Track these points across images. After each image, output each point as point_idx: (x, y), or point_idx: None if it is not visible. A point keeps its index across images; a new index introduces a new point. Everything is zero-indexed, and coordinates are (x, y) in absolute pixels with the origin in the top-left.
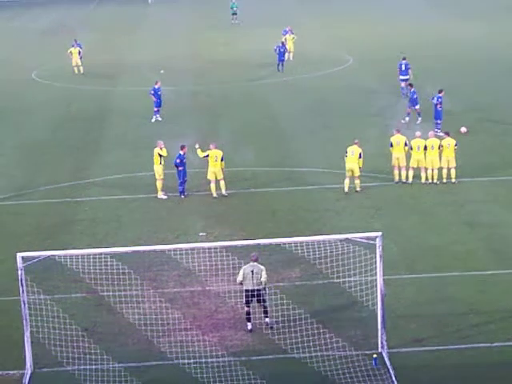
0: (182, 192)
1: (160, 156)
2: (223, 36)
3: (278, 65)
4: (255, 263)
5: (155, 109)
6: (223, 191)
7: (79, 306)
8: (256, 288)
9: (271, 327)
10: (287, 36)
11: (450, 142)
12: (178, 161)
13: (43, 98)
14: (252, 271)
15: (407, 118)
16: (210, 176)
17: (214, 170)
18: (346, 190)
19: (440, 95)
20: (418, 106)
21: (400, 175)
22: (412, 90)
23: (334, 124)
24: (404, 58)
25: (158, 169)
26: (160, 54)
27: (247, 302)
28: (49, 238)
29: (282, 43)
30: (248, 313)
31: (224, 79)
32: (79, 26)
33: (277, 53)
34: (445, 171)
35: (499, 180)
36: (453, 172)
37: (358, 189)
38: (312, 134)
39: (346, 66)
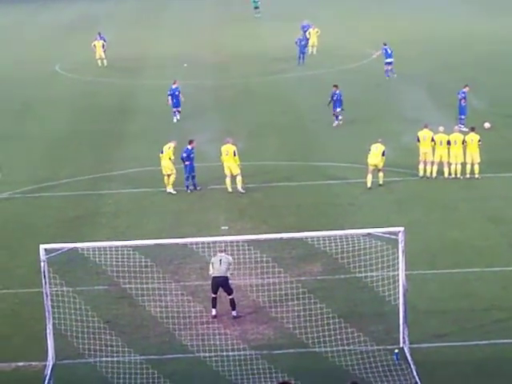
0: (188, 186)
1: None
2: (246, 30)
3: (300, 57)
4: (223, 254)
5: (173, 109)
6: (239, 187)
7: (101, 299)
8: (223, 275)
9: (239, 316)
10: (311, 30)
11: (473, 138)
12: (184, 155)
13: (67, 90)
14: (220, 260)
15: (339, 120)
16: (226, 171)
17: (228, 164)
18: (369, 185)
19: (464, 90)
20: (339, 109)
21: (425, 170)
22: (337, 91)
23: (358, 118)
24: (385, 44)
25: (169, 163)
26: (183, 48)
27: (214, 291)
28: (71, 231)
29: (304, 35)
30: (214, 299)
31: (247, 73)
32: (103, 19)
33: (298, 45)
34: (468, 166)
35: None
36: (476, 168)
37: (380, 182)
38: (335, 129)
39: (369, 61)
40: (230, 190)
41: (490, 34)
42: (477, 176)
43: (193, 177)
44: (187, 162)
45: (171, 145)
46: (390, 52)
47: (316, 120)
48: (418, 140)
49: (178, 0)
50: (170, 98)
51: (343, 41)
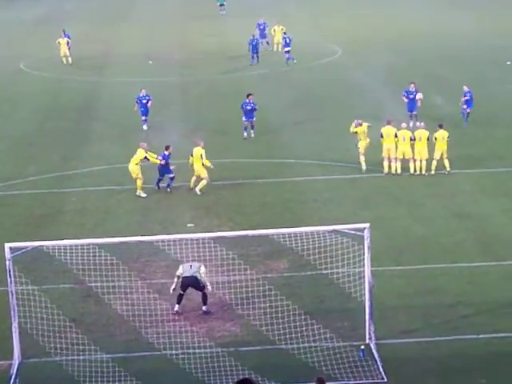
0: (157, 184)
1: (146, 158)
2: (211, 27)
3: (253, 57)
4: (194, 262)
5: (142, 118)
6: (197, 189)
7: (67, 297)
8: (193, 275)
9: (209, 312)
10: (276, 27)
11: (443, 135)
12: (160, 157)
13: (31, 88)
14: (190, 266)
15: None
16: (195, 172)
17: (196, 167)
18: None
19: (410, 89)
20: (252, 120)
21: (390, 166)
22: (251, 101)
23: (321, 116)
24: (285, 33)
25: (136, 168)
26: (148, 45)
27: (183, 289)
28: (37, 229)
29: (261, 33)
30: (181, 296)
31: (212, 70)
32: (67, 16)
33: (251, 45)
34: (434, 162)
35: (487, 172)
36: (446, 162)
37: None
38: (299, 126)
39: (334, 58)
40: (191, 185)
41: (456, 30)
42: (448, 169)
43: (159, 180)
44: (163, 162)
45: (142, 152)
46: (288, 41)
47: (281, 117)
48: (382, 136)
49: None
50: (136, 104)
51: (309, 38)
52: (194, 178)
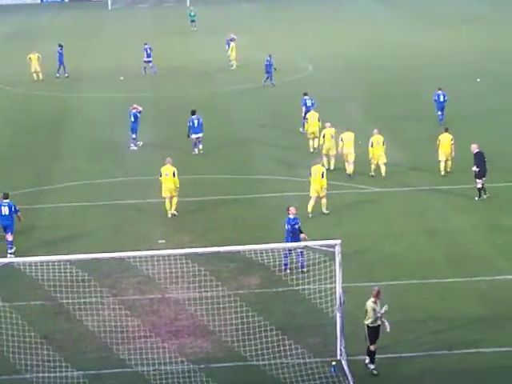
0: (286, 265)
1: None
2: (182, 43)
3: (267, 78)
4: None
5: (133, 135)
6: (172, 209)
7: (38, 314)
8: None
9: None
10: (232, 44)
11: (447, 137)
12: (288, 227)
13: (3, 103)
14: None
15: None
16: (165, 192)
17: (167, 185)
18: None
19: (305, 98)
20: (200, 135)
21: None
22: (135, 110)
23: (293, 132)
24: (146, 44)
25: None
26: (120, 61)
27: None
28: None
29: (270, 56)
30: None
31: (183, 86)
32: (38, 32)
33: (266, 65)
34: (442, 164)
35: (458, 188)
36: (449, 164)
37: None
38: (271, 142)
39: (305, 74)
40: (169, 215)
41: (434, 47)
42: (448, 170)
43: (286, 256)
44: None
45: (172, 168)
46: (149, 52)
47: (253, 133)
48: (342, 140)
49: (113, 13)
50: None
51: (280, 54)
52: (168, 203)
